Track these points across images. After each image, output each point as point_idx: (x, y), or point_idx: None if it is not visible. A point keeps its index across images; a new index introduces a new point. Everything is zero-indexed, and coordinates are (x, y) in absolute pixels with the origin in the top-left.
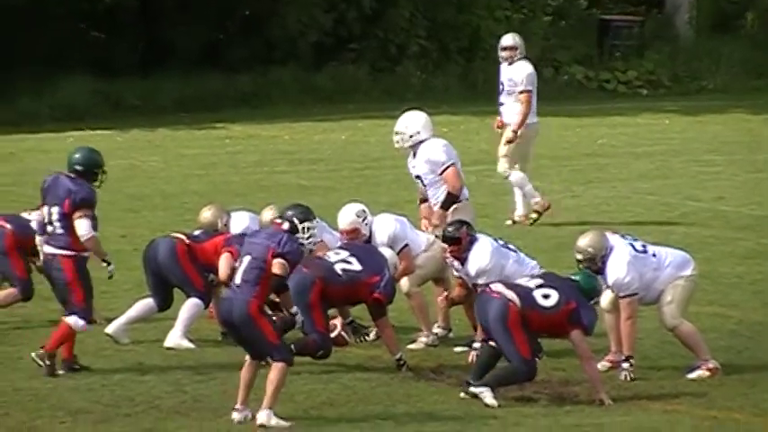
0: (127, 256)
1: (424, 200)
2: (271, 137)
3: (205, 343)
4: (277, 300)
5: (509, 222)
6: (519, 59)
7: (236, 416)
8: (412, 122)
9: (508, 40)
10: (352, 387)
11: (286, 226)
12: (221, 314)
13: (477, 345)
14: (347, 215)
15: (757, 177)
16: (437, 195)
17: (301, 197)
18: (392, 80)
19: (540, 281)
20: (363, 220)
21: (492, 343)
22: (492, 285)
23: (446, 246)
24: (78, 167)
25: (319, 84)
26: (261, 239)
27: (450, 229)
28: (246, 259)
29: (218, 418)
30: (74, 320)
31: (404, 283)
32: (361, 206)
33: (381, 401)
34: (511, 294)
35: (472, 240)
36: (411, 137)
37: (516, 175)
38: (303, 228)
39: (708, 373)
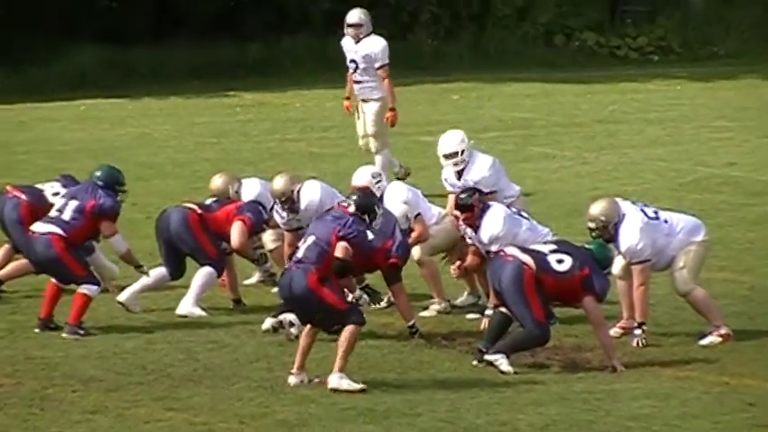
0: (138, 225)
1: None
2: (282, 105)
3: (217, 311)
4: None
5: None
6: (367, 35)
7: (292, 379)
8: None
9: (353, 17)
10: (364, 354)
11: (352, 209)
12: (280, 289)
13: (489, 312)
14: (363, 174)
15: None
16: None
17: (312, 165)
18: (404, 48)
19: (554, 246)
20: (377, 182)
21: (504, 309)
22: (506, 249)
23: (459, 213)
24: (99, 182)
25: (331, 51)
26: (327, 221)
27: (462, 196)
28: (310, 239)
29: (230, 385)
30: (87, 288)
31: (416, 251)
32: (378, 170)
33: (393, 369)
34: (525, 258)
35: (485, 208)
36: (469, 152)
37: (386, 155)
38: (371, 214)
39: (720, 339)
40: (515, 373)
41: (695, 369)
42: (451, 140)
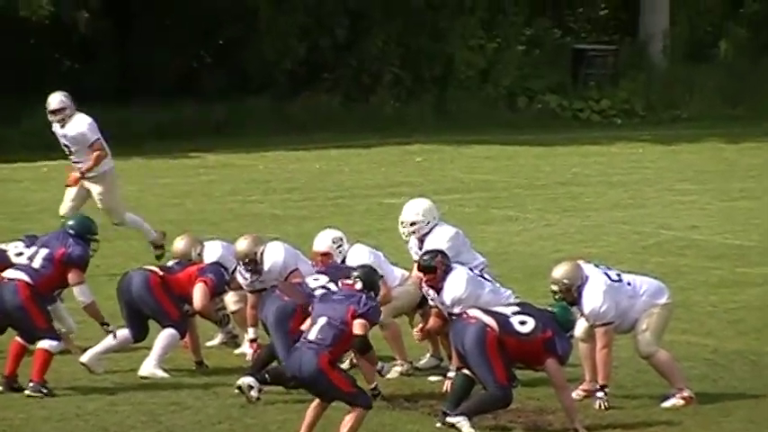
0: (102, 285)
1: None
2: (245, 166)
3: (179, 373)
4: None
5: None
6: (72, 116)
7: None
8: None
9: (55, 102)
10: (327, 416)
11: (359, 286)
12: (288, 367)
13: (451, 374)
14: (324, 239)
15: (731, 206)
16: None
17: (275, 226)
18: (366, 109)
19: (516, 308)
20: (338, 247)
21: (467, 371)
22: (468, 311)
23: (422, 275)
24: (71, 231)
25: (293, 113)
26: (338, 300)
27: (425, 257)
28: (322, 320)
29: None
30: (48, 344)
31: None
32: (339, 234)
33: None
34: (488, 319)
35: (447, 270)
36: (428, 223)
37: (132, 218)
38: (376, 290)
39: (682, 402)
40: None
41: None
42: (409, 210)
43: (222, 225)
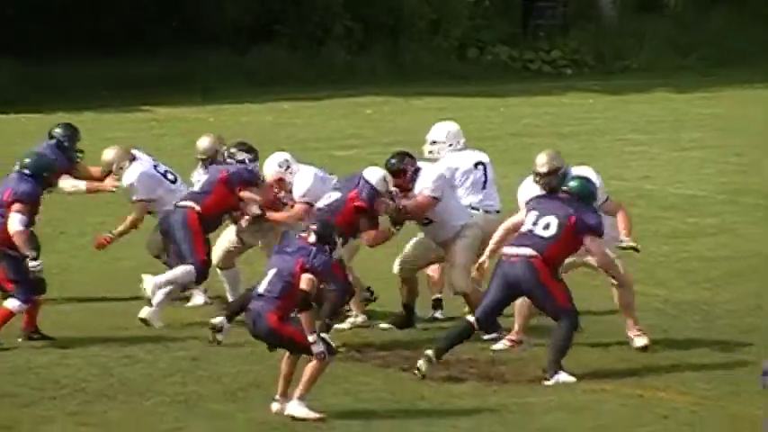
0: (51, 240)
1: None
2: (196, 119)
3: (132, 326)
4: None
5: None
6: None
7: (274, 406)
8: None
9: None
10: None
11: (312, 238)
12: (247, 324)
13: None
14: (270, 166)
15: (681, 156)
16: None
17: None
18: (317, 61)
19: (535, 213)
20: (287, 169)
21: (470, 317)
22: (506, 251)
23: (391, 178)
24: (26, 171)
25: (244, 65)
26: (290, 252)
27: (393, 160)
28: (272, 272)
29: (144, 401)
30: (12, 304)
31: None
32: (284, 156)
33: None
34: (527, 251)
35: (417, 170)
36: (450, 146)
37: None
38: (331, 244)
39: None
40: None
41: (609, 381)
42: (436, 129)
43: None
